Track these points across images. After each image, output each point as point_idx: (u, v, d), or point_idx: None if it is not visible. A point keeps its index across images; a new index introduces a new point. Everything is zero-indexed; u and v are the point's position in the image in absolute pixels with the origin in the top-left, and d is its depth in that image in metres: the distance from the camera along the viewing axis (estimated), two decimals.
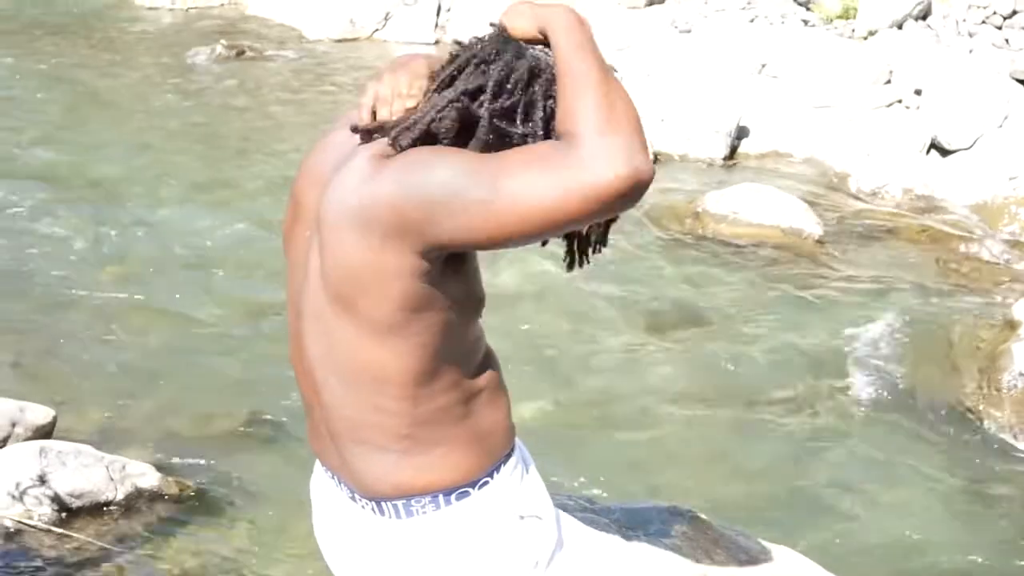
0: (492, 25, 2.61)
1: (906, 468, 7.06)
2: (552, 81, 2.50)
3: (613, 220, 2.66)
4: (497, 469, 2.70)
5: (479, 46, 2.57)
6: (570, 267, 2.79)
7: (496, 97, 2.49)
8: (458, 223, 2.33)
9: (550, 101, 2.50)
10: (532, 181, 2.28)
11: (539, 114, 2.51)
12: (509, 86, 2.50)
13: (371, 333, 2.48)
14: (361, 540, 2.77)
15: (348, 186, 2.47)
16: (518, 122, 2.50)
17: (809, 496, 6.77)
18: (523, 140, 2.48)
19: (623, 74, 13.99)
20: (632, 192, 2.25)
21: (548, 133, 2.48)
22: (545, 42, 2.50)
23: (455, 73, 2.56)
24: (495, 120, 2.49)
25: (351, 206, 2.43)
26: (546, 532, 2.79)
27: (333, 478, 2.80)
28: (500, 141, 2.48)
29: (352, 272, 2.44)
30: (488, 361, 2.74)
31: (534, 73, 2.52)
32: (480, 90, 2.50)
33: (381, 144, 2.55)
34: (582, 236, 2.75)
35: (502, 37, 2.56)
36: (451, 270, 2.48)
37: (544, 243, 2.58)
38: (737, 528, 4.32)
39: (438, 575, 2.70)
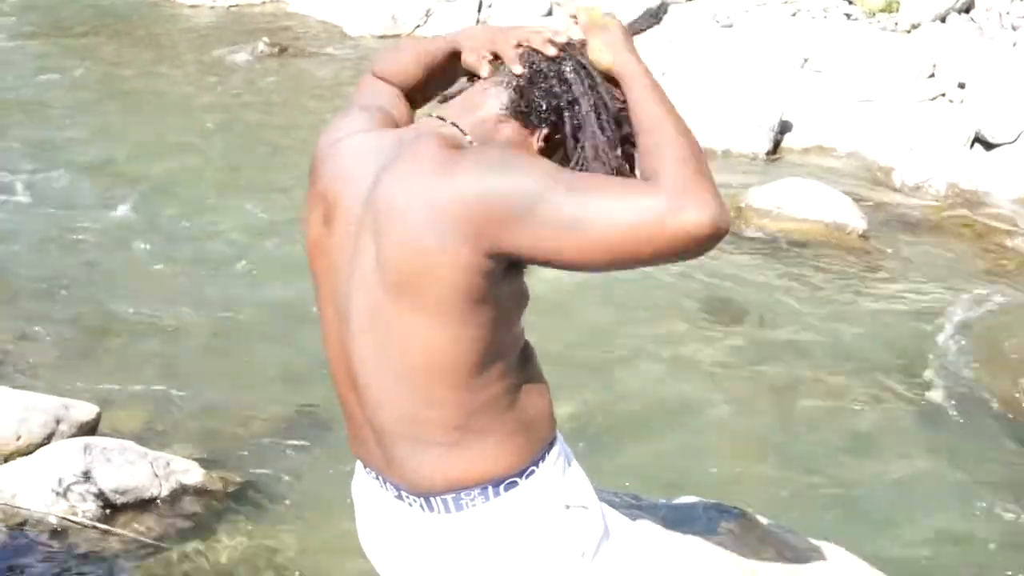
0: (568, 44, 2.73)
1: (955, 466, 7.00)
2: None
3: None
4: (542, 458, 2.70)
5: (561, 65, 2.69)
6: None
7: (602, 123, 2.62)
8: (536, 236, 2.35)
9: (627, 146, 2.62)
10: (623, 211, 2.31)
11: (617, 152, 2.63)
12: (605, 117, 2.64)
13: (432, 322, 2.47)
14: (410, 538, 2.76)
15: (416, 175, 2.46)
16: (609, 154, 2.62)
17: (858, 493, 6.72)
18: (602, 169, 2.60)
19: (667, 71, 13.97)
20: (715, 239, 2.30)
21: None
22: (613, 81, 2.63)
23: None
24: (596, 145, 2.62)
25: (426, 196, 2.42)
26: (592, 522, 2.77)
27: (377, 479, 2.79)
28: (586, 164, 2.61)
29: (418, 260, 2.43)
30: (529, 351, 2.74)
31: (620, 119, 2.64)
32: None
33: (439, 131, 2.59)
34: None
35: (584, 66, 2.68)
36: (513, 269, 2.49)
37: None
38: (785, 526, 4.30)
39: (488, 568, 2.69)
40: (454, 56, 2.88)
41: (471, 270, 2.41)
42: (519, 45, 2.71)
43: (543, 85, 2.63)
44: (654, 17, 15.71)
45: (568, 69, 2.65)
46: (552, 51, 2.66)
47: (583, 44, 2.70)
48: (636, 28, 15.08)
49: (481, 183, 2.38)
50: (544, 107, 2.61)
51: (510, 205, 2.34)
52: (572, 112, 2.62)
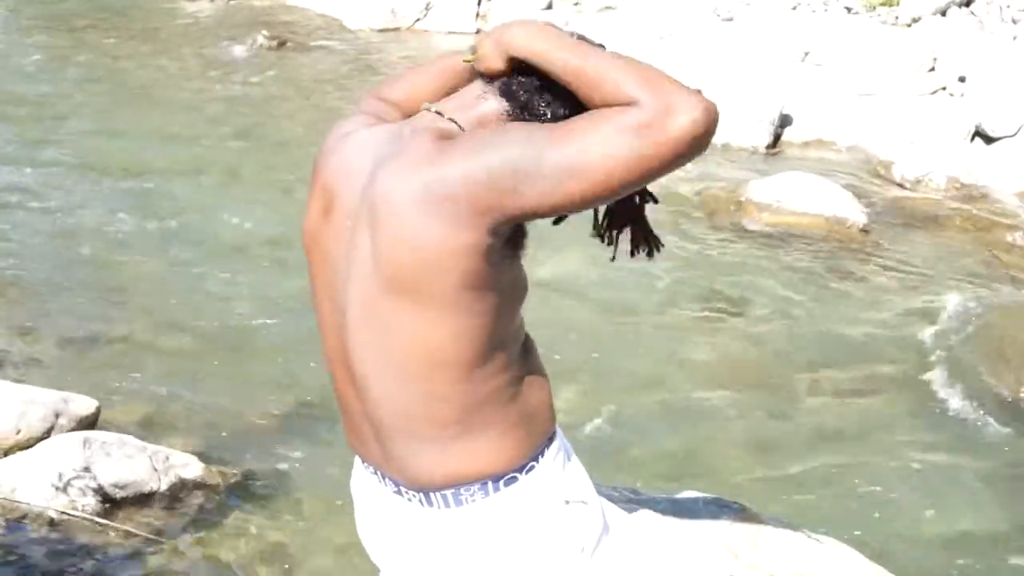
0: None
1: (954, 459, 7.01)
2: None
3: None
4: (542, 453, 2.70)
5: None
6: (633, 252, 2.84)
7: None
8: (543, 191, 2.35)
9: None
10: (618, 140, 2.30)
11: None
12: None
13: (432, 315, 2.47)
14: (409, 534, 2.76)
15: (411, 169, 2.46)
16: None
17: (858, 488, 6.72)
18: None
19: (666, 63, 13.96)
20: (711, 128, 2.30)
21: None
22: (522, 66, 2.59)
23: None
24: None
25: (418, 188, 2.43)
26: (592, 517, 2.77)
27: (376, 474, 2.79)
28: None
29: (415, 255, 2.43)
30: (529, 344, 2.75)
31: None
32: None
33: (434, 126, 2.59)
34: (645, 222, 2.79)
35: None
36: (508, 254, 2.50)
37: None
38: (784, 520, 4.30)
39: (487, 563, 2.69)
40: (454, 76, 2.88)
41: (472, 253, 2.41)
42: None
43: (545, 95, 2.62)
44: None
45: None
46: None
47: None
48: None
49: (470, 162, 2.39)
50: (549, 116, 2.60)
51: (506, 172, 2.35)
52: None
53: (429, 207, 2.40)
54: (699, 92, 2.31)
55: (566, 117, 2.52)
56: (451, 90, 2.82)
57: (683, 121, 2.27)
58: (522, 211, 2.39)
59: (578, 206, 2.39)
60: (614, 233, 2.82)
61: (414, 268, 2.43)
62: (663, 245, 2.81)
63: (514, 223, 2.43)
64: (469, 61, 2.69)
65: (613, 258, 2.86)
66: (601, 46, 2.57)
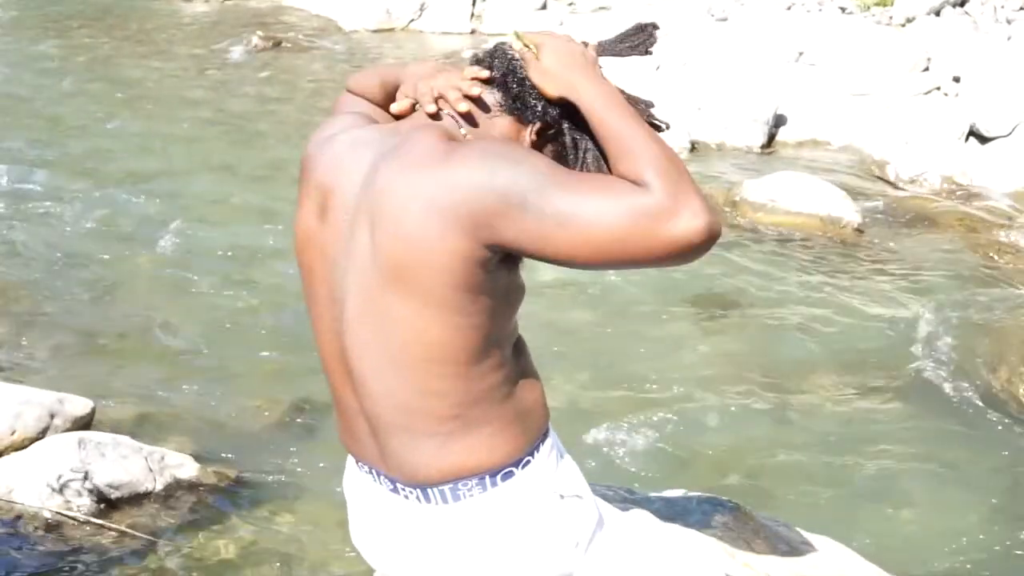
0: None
1: (947, 458, 7.01)
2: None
3: None
4: (536, 448, 2.71)
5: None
6: None
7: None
8: (530, 228, 2.38)
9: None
10: (617, 213, 2.35)
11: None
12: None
13: (429, 311, 2.49)
14: (405, 531, 2.76)
15: (417, 166, 2.48)
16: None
17: (851, 486, 6.73)
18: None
19: (661, 65, 13.97)
20: (709, 245, 2.36)
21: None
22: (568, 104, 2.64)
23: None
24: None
25: (423, 187, 2.45)
26: (587, 512, 2.78)
27: (371, 473, 2.79)
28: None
29: (415, 251, 2.44)
30: (521, 344, 2.77)
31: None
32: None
33: (437, 123, 2.63)
34: None
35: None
36: (506, 264, 2.52)
37: None
38: (778, 519, 4.31)
39: (484, 558, 2.70)
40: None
41: (468, 260, 2.42)
42: (439, 97, 2.72)
43: (535, 92, 2.65)
44: None
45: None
46: (464, 107, 2.67)
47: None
48: None
49: (479, 175, 2.41)
50: (539, 109, 2.63)
51: (507, 197, 2.37)
52: (572, 122, 2.64)
53: (432, 206, 2.42)
54: (708, 204, 2.35)
55: (555, 115, 2.63)
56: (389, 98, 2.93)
57: (685, 223, 2.32)
58: (509, 240, 2.41)
59: (553, 257, 2.41)
60: None
61: (415, 262, 2.45)
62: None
63: (501, 248, 2.44)
64: (526, 46, 2.70)
65: None
66: (650, 104, 2.66)
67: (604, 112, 2.53)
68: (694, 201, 2.33)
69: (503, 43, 2.76)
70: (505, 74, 2.68)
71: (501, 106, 2.67)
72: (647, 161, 2.40)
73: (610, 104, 2.55)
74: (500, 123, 2.68)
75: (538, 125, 2.67)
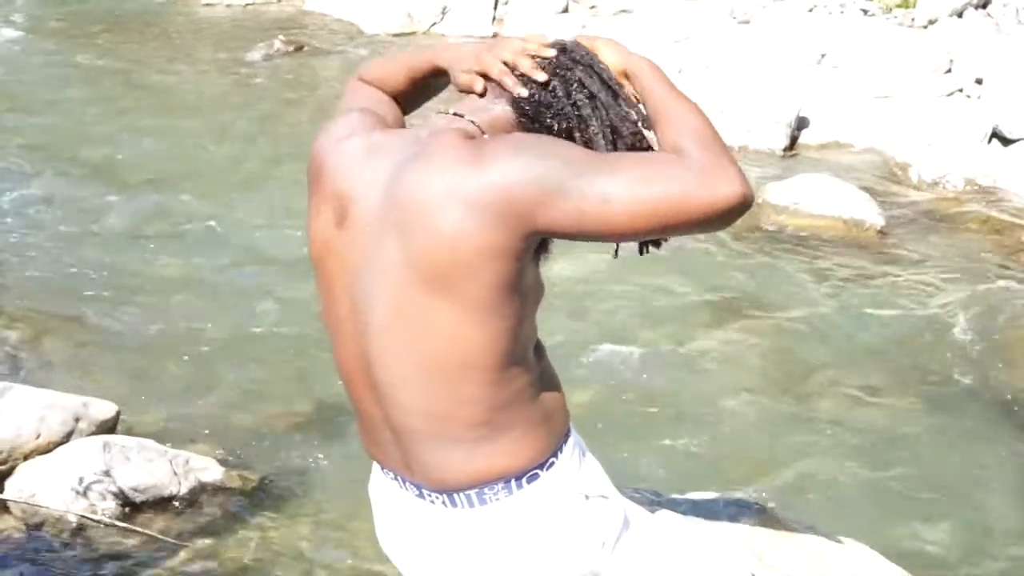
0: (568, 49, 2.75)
1: (975, 462, 7.00)
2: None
3: None
4: (560, 449, 2.71)
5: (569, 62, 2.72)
6: (642, 251, 2.83)
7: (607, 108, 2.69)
8: (572, 211, 2.41)
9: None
10: (658, 185, 2.41)
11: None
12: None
13: (467, 316, 2.49)
14: (432, 536, 2.76)
15: (444, 168, 2.47)
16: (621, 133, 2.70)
17: (878, 489, 6.72)
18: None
19: (683, 68, 13.96)
20: (742, 210, 2.44)
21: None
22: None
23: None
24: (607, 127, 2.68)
25: (455, 188, 2.44)
26: (612, 512, 2.78)
27: (396, 479, 2.79)
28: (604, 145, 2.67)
29: (451, 253, 2.44)
30: (541, 346, 2.77)
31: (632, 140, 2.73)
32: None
33: (460, 127, 2.61)
34: None
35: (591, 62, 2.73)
36: (534, 258, 2.54)
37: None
38: (805, 521, 4.30)
39: (511, 560, 2.70)
40: (436, 73, 2.92)
41: (505, 256, 2.43)
42: (507, 66, 2.72)
43: (554, 105, 2.64)
44: None
45: (575, 87, 2.67)
46: (542, 77, 2.68)
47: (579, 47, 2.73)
48: None
49: (515, 168, 2.42)
50: (555, 127, 2.64)
51: (545, 183, 2.40)
52: (583, 132, 2.65)
53: (468, 205, 2.42)
54: (742, 173, 2.44)
55: (569, 132, 2.64)
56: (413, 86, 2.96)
57: (722, 190, 2.40)
58: (548, 226, 2.44)
59: (592, 231, 2.45)
60: None
61: (451, 265, 2.44)
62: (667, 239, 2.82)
63: (540, 236, 2.48)
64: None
65: (615, 255, 2.92)
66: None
67: (653, 84, 2.63)
68: (730, 168, 2.42)
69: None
70: (523, 94, 2.67)
71: (519, 121, 2.67)
72: (687, 131, 2.49)
73: (661, 81, 2.65)
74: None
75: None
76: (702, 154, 2.43)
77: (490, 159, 2.44)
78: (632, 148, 2.67)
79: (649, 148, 2.66)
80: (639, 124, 2.68)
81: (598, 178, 2.40)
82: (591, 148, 2.62)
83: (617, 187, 2.40)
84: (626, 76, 2.68)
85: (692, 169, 2.40)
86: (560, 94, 2.66)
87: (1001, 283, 9.42)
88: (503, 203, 2.40)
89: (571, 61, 2.69)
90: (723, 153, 2.44)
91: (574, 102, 2.65)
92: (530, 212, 2.40)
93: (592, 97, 2.66)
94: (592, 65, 2.69)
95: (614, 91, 2.68)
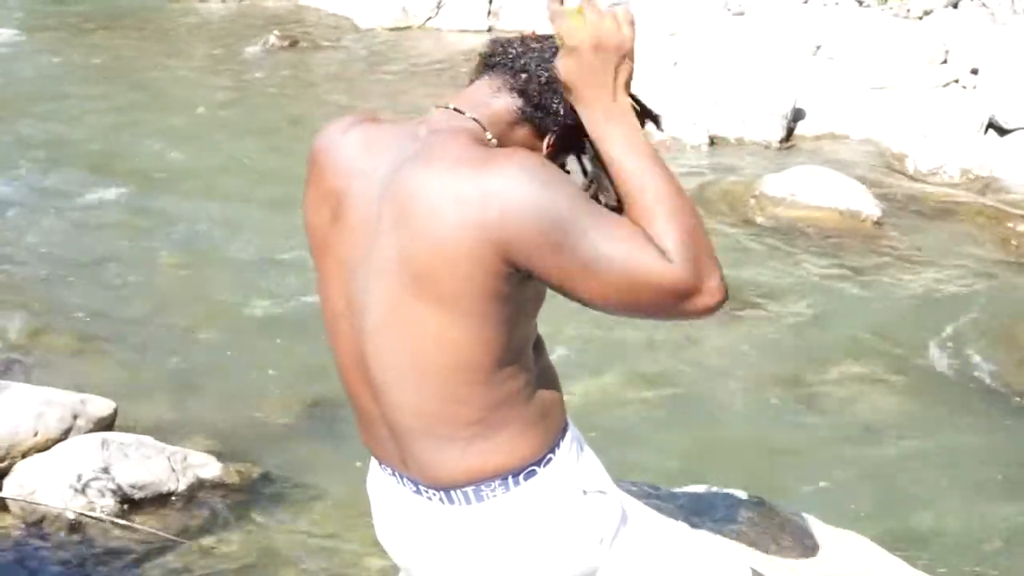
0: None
1: (974, 452, 7.00)
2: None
3: None
4: (557, 445, 2.69)
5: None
6: None
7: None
8: (560, 266, 2.38)
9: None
10: (644, 281, 2.37)
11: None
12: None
13: (455, 318, 2.46)
14: (430, 531, 2.75)
15: (447, 169, 2.44)
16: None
17: (876, 480, 6.72)
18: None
19: (678, 61, 13.96)
20: (712, 313, 2.45)
21: None
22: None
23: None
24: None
25: (457, 191, 2.40)
26: (610, 507, 2.76)
27: (394, 475, 2.78)
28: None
29: (443, 254, 2.41)
30: (540, 342, 2.75)
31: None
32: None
33: (456, 124, 2.57)
34: None
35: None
36: (531, 276, 2.48)
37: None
38: (803, 513, 4.30)
39: (509, 556, 2.68)
40: None
41: (493, 272, 2.40)
42: None
43: (561, 91, 2.60)
44: None
45: None
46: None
47: None
48: None
49: (518, 194, 2.36)
50: (563, 112, 2.59)
51: (544, 229, 2.35)
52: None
53: (465, 212, 2.38)
54: (721, 273, 2.42)
55: (575, 118, 2.55)
56: None
57: (703, 302, 2.40)
58: (535, 268, 2.40)
59: (571, 294, 2.44)
60: None
61: (442, 265, 2.41)
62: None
63: (524, 272, 2.42)
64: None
65: None
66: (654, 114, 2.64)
67: (623, 154, 2.49)
68: (714, 279, 2.40)
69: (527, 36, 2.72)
70: (528, 78, 2.64)
71: (521, 111, 2.63)
72: (671, 230, 2.40)
73: (632, 144, 2.49)
74: (520, 132, 2.64)
75: (554, 138, 2.64)
76: (687, 264, 2.37)
77: (495, 170, 2.39)
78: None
79: None
80: None
81: (593, 247, 2.35)
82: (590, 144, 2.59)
83: (605, 267, 2.36)
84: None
85: (679, 280, 2.36)
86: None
87: (998, 273, 9.43)
88: (498, 229, 2.35)
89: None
90: (707, 259, 2.40)
91: None
92: (520, 248, 2.36)
93: None
94: None
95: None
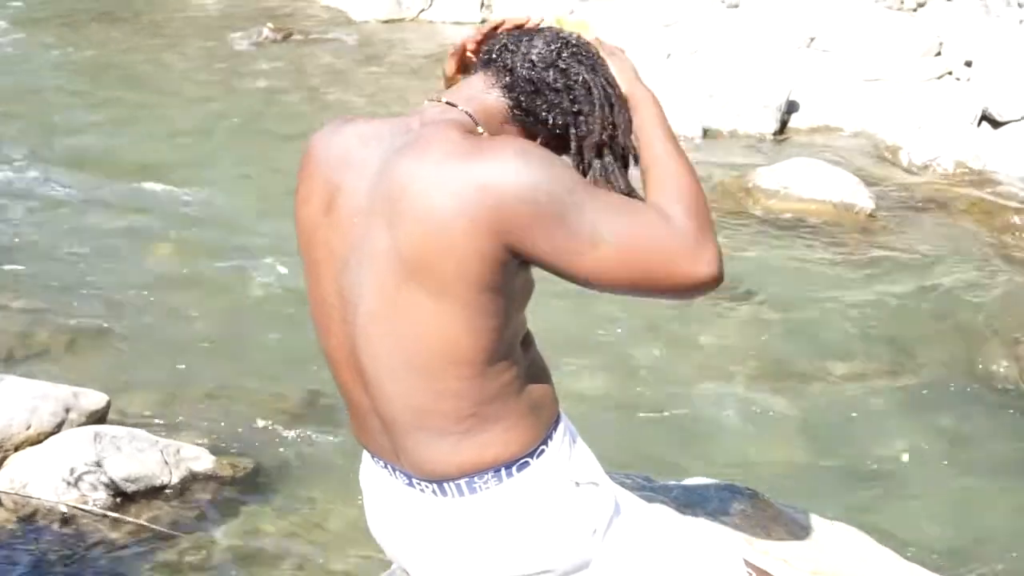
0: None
1: (967, 444, 7.01)
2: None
3: None
4: (549, 436, 2.69)
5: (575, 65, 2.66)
6: None
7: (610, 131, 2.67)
8: (558, 244, 2.40)
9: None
10: (642, 247, 2.43)
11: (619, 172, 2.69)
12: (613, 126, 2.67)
13: (450, 310, 2.46)
14: (422, 524, 2.75)
15: (439, 160, 2.44)
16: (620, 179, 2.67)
17: (869, 472, 6.73)
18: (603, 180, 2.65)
19: (672, 52, 13.96)
20: (711, 290, 2.51)
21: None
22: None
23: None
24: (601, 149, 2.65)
25: (450, 180, 2.41)
26: (603, 498, 2.77)
27: (386, 467, 2.78)
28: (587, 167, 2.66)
29: (437, 244, 2.41)
30: (530, 336, 2.75)
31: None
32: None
33: (449, 117, 2.58)
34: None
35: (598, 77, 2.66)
36: (524, 263, 2.50)
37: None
38: (796, 506, 4.30)
39: (501, 548, 2.68)
40: None
41: (490, 260, 2.40)
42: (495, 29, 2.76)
43: (549, 97, 2.61)
44: None
45: (576, 82, 2.62)
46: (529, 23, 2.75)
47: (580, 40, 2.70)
48: None
49: (513, 178, 2.38)
50: (551, 121, 2.61)
51: (541, 210, 2.37)
52: (577, 129, 2.63)
53: (460, 202, 2.38)
54: (719, 250, 2.48)
55: (564, 126, 2.61)
56: None
57: (701, 269, 2.45)
58: (532, 250, 2.42)
59: (568, 273, 2.45)
60: None
61: (435, 255, 2.41)
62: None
63: (520, 256, 2.44)
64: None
65: None
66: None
67: (654, 126, 2.63)
68: (713, 248, 2.46)
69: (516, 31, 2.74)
70: (515, 77, 2.65)
71: (511, 109, 2.64)
72: (679, 194, 2.49)
73: (662, 124, 2.64)
74: (511, 131, 2.65)
75: (544, 138, 2.64)
76: (691, 226, 2.44)
77: (489, 156, 2.40)
78: (620, 159, 2.65)
79: (630, 161, 2.66)
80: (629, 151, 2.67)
81: (595, 221, 2.39)
82: (582, 148, 2.61)
83: (609, 237, 2.39)
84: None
85: (679, 241, 2.42)
86: (559, 86, 2.61)
87: (991, 265, 9.43)
88: (493, 211, 2.36)
89: (572, 56, 2.63)
90: (709, 227, 2.48)
91: (573, 97, 2.61)
92: (517, 230, 2.37)
93: (589, 92, 2.61)
94: (596, 67, 2.65)
95: (613, 99, 2.65)
